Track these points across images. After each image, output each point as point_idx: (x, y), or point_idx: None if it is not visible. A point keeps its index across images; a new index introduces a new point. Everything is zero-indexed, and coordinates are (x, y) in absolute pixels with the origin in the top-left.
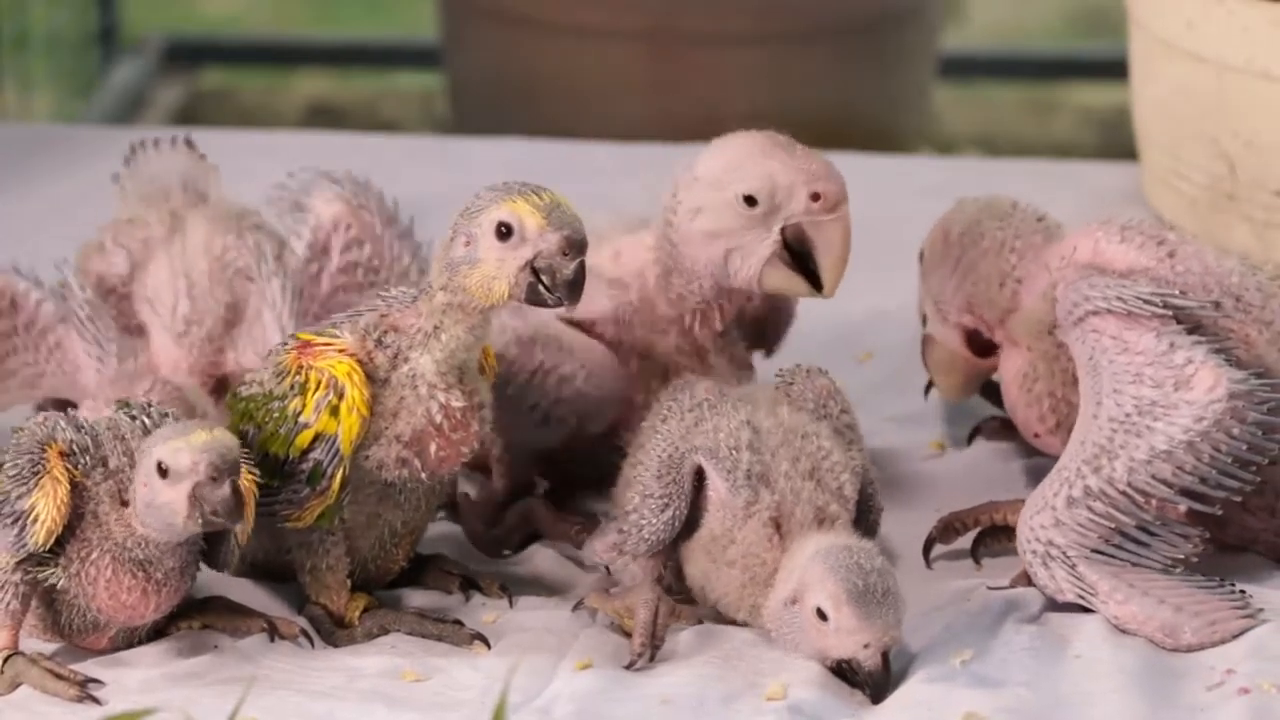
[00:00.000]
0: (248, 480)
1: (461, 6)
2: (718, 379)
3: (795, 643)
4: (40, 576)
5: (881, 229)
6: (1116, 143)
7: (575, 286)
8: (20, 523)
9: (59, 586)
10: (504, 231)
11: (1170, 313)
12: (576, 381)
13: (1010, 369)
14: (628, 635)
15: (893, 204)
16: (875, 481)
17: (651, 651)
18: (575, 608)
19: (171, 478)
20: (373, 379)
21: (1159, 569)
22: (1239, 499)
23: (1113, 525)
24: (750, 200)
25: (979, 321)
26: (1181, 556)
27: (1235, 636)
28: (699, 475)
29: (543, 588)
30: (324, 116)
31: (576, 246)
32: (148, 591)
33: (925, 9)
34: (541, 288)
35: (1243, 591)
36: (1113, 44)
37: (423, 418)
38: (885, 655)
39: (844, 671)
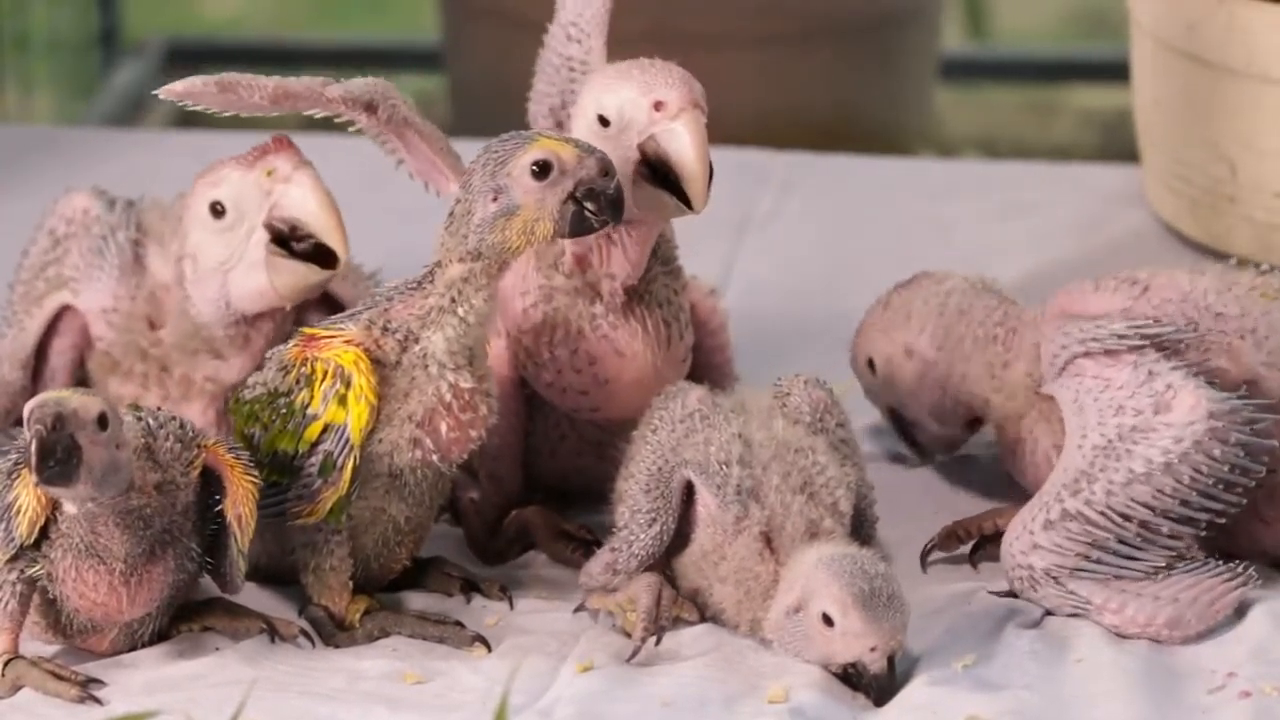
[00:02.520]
0: (234, 463)
1: (462, 8)
2: (629, 347)
3: (799, 650)
4: (35, 575)
5: (883, 231)
6: (1117, 145)
7: (618, 203)
8: (6, 517)
9: (47, 586)
10: (540, 170)
11: (1146, 343)
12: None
13: (1005, 443)
14: (630, 635)
15: (894, 206)
16: (871, 495)
17: (657, 636)
18: (577, 610)
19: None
20: (383, 364)
21: (1142, 576)
22: (1237, 510)
23: (1090, 541)
24: (604, 121)
25: (977, 413)
26: (1163, 564)
27: (1235, 608)
28: (689, 489)
29: (544, 590)
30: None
31: (611, 165)
32: (114, 585)
33: (926, 11)
34: (587, 213)
35: (1225, 561)
36: (1114, 46)
37: (433, 396)
38: (891, 659)
39: (848, 676)
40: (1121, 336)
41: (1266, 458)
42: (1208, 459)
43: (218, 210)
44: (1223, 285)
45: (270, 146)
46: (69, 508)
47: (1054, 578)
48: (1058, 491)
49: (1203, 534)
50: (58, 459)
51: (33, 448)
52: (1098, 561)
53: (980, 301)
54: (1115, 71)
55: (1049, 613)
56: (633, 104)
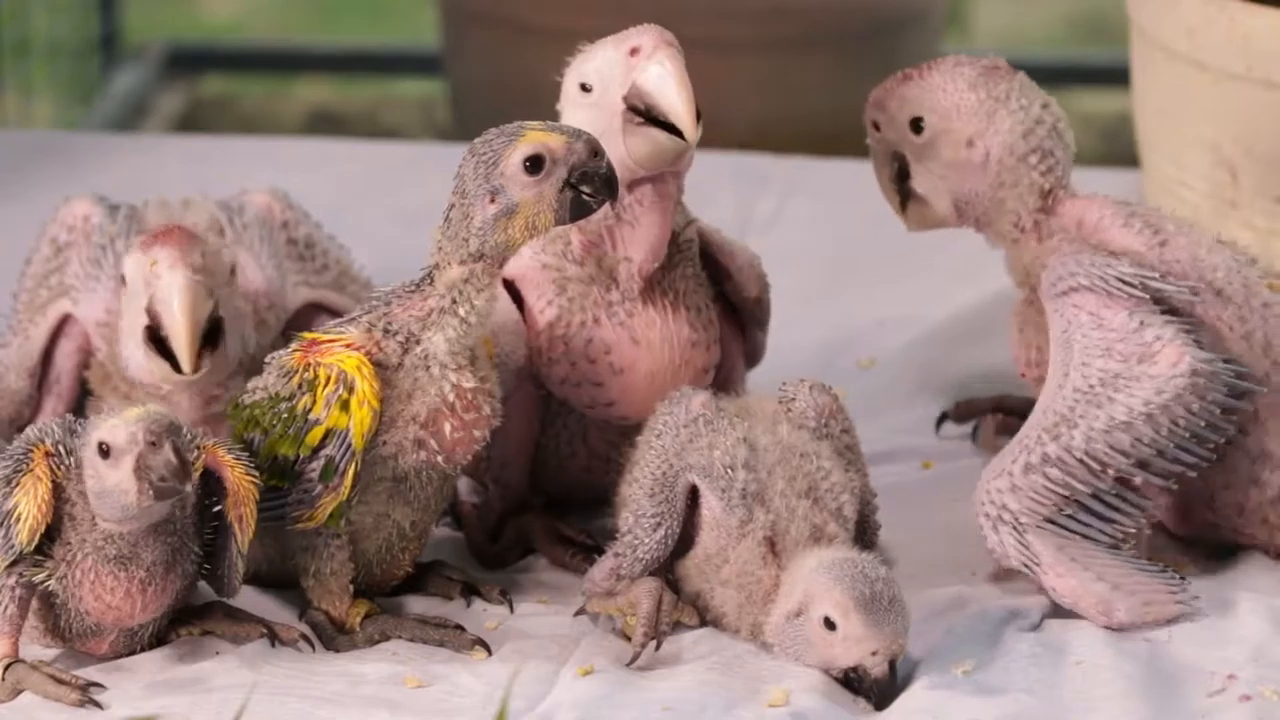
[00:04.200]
0: (234, 463)
1: (463, 13)
2: (644, 335)
3: (800, 654)
4: (35, 580)
5: (883, 235)
6: (1118, 149)
7: (612, 181)
8: (5, 524)
9: (52, 590)
10: (533, 165)
11: (1147, 294)
12: None
13: (1016, 300)
14: (630, 639)
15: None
16: (874, 502)
17: (657, 642)
18: (577, 613)
19: (114, 456)
20: (385, 367)
21: (1107, 545)
22: (1207, 466)
23: (1067, 494)
24: (586, 88)
25: (990, 238)
26: (1134, 530)
27: (1168, 621)
28: (693, 493)
29: (544, 593)
30: (325, 123)
31: (600, 145)
32: (131, 592)
33: (926, 15)
34: (584, 197)
35: (1182, 578)
36: (1114, 51)
37: (436, 397)
38: (892, 664)
39: (850, 680)
40: (1126, 282)
41: (1236, 418)
42: (1186, 412)
43: (123, 281)
44: (1236, 265)
45: (157, 238)
46: (112, 526)
47: (1020, 524)
48: (1038, 435)
49: (1173, 487)
50: (185, 464)
51: (175, 462)
52: (1070, 516)
53: (1054, 144)
54: (1115, 76)
55: (1049, 611)
56: (609, 60)
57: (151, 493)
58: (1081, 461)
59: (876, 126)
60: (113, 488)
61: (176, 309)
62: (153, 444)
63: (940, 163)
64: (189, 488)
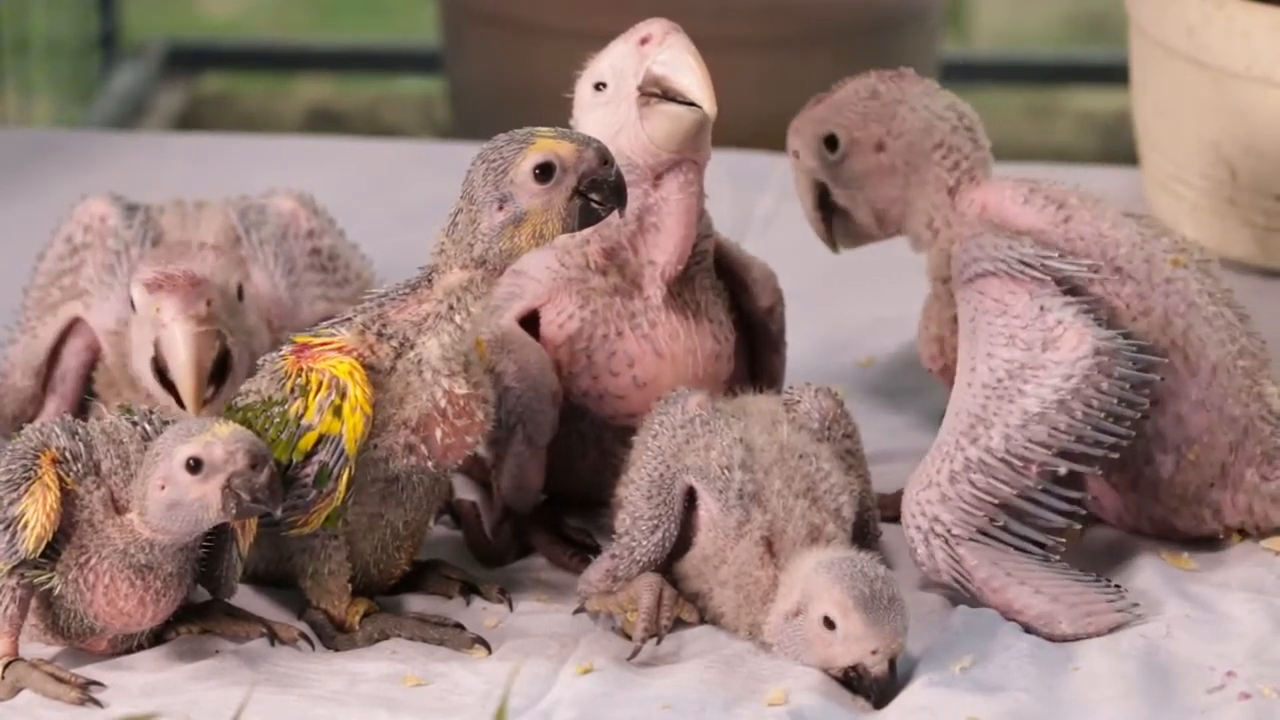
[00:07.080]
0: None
1: (462, 11)
2: (669, 348)
3: (799, 654)
4: (37, 582)
5: None
6: (1117, 148)
7: (621, 189)
8: (11, 529)
9: (56, 592)
10: (543, 173)
11: (1048, 276)
12: (506, 379)
13: (926, 297)
14: (630, 637)
15: None
16: (876, 509)
17: (658, 637)
18: (576, 611)
19: (205, 471)
20: (377, 370)
21: (1040, 557)
22: (1128, 444)
23: (996, 500)
24: (599, 87)
25: (910, 242)
26: (1063, 525)
27: (1110, 630)
28: (690, 494)
29: (543, 592)
30: (325, 121)
31: (609, 153)
32: (145, 600)
33: (925, 14)
34: (593, 205)
35: (1117, 586)
36: (1113, 49)
37: (428, 402)
38: (892, 662)
39: (849, 679)
40: (1027, 264)
41: (1148, 391)
42: (1097, 392)
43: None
44: (1143, 239)
45: (162, 284)
46: (160, 536)
47: (953, 536)
48: (956, 439)
49: (1098, 473)
50: (279, 486)
51: (273, 485)
52: (1003, 527)
53: (959, 141)
54: (1115, 74)
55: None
56: (621, 54)
57: (235, 511)
58: (1004, 461)
59: (796, 155)
60: (193, 501)
61: (182, 360)
62: (253, 466)
63: (855, 175)
64: (279, 512)
